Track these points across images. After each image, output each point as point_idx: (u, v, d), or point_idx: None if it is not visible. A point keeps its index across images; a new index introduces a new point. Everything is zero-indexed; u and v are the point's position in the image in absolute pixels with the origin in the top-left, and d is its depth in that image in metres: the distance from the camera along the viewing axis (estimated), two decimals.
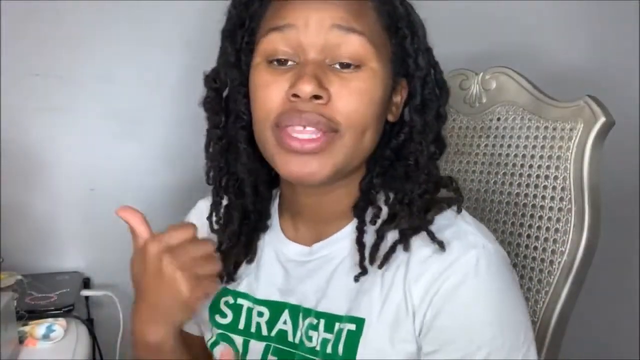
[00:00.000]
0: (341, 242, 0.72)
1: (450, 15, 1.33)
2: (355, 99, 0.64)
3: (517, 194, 0.89)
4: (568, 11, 1.34)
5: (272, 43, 0.65)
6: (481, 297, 0.63)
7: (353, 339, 0.66)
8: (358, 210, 0.71)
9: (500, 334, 0.63)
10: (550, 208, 0.84)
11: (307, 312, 0.72)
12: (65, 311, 1.11)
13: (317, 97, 0.62)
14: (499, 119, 0.95)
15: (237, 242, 0.77)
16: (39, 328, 1.03)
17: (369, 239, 0.69)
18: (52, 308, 1.11)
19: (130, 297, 1.39)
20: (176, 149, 1.32)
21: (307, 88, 0.61)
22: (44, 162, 1.29)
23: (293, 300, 0.73)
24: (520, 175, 0.89)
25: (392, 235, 0.68)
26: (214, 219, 0.78)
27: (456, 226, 0.67)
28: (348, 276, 0.69)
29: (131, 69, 1.29)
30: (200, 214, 0.81)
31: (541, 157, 0.87)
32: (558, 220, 0.83)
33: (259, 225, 0.78)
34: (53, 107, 1.27)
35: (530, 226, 0.86)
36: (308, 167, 0.64)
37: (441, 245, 0.64)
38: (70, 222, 1.32)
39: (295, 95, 0.62)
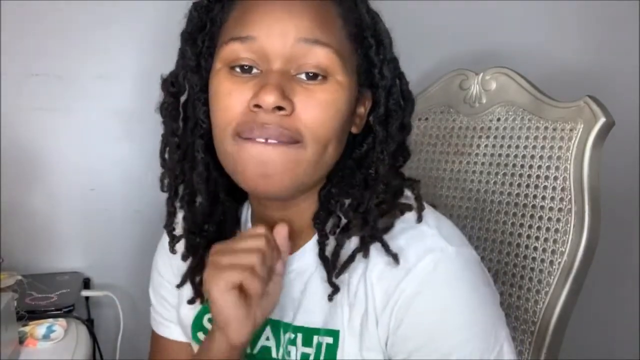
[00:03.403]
0: (308, 255, 0.70)
1: (450, 15, 1.34)
2: (320, 111, 0.61)
3: (517, 194, 0.89)
4: (568, 11, 1.34)
5: (234, 52, 0.62)
6: (442, 303, 0.61)
7: (332, 352, 0.66)
8: (318, 222, 0.68)
9: (468, 339, 0.61)
10: (550, 208, 0.84)
11: (286, 327, 0.70)
12: (65, 311, 1.11)
13: (280, 108, 0.59)
14: (499, 119, 0.95)
15: (203, 255, 0.73)
16: (39, 328, 1.03)
17: (331, 250, 0.67)
18: (52, 308, 1.10)
19: (131, 297, 1.40)
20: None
21: (269, 98, 0.58)
22: (44, 162, 1.29)
23: (274, 316, 0.71)
24: (520, 175, 0.89)
25: (353, 243, 0.66)
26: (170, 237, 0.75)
27: (413, 230, 0.64)
28: (320, 288, 0.68)
29: (131, 69, 1.29)
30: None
31: (541, 157, 0.87)
32: (558, 220, 0.83)
33: (223, 236, 0.74)
34: (53, 107, 1.27)
35: (530, 226, 0.86)
36: (267, 179, 0.61)
37: (395, 258, 0.62)
38: (70, 222, 1.32)
39: (257, 106, 0.60)
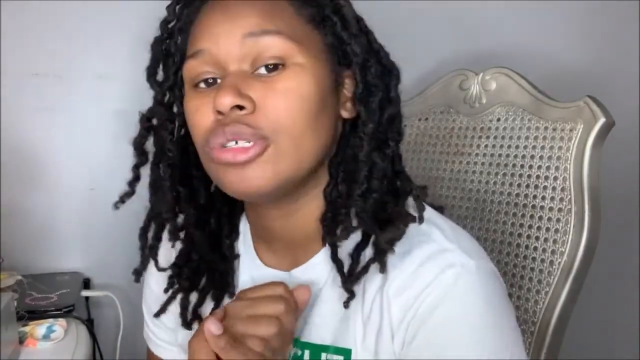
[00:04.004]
0: (319, 267, 0.67)
1: (450, 15, 1.34)
2: (282, 101, 0.59)
3: (517, 194, 0.89)
4: (568, 11, 1.34)
5: (191, 70, 0.62)
6: (460, 316, 0.60)
7: None
8: (327, 223, 0.65)
9: (485, 354, 0.59)
10: (550, 208, 0.84)
11: (293, 343, 0.67)
12: (65, 311, 1.11)
13: (240, 107, 0.58)
14: (499, 120, 0.95)
15: (195, 279, 0.73)
16: (39, 328, 1.03)
17: (345, 255, 0.64)
18: (52, 308, 1.10)
19: (131, 297, 1.39)
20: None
21: (225, 100, 0.57)
22: (44, 162, 1.29)
23: None
24: (520, 175, 0.89)
25: (368, 251, 0.63)
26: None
27: (432, 243, 0.62)
28: (332, 303, 0.65)
29: (131, 69, 1.29)
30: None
31: (541, 157, 0.87)
32: (558, 220, 0.83)
33: (222, 259, 0.73)
34: (53, 107, 1.27)
35: (530, 226, 0.86)
36: (248, 178, 0.59)
37: (383, 266, 0.60)
38: (70, 222, 1.32)
39: (219, 112, 0.59)
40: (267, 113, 0.58)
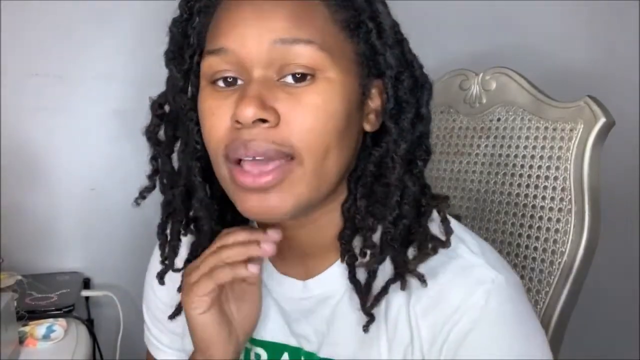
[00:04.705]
0: (335, 280, 0.64)
1: (450, 15, 1.34)
2: (309, 117, 0.54)
3: (517, 194, 0.89)
4: (568, 11, 1.34)
5: (211, 66, 0.57)
6: (496, 341, 0.57)
7: None
8: (344, 241, 0.62)
9: None
10: (550, 208, 0.84)
11: (309, 356, 0.65)
12: (65, 311, 1.11)
13: (263, 120, 0.53)
14: (499, 119, 0.94)
15: None
16: (39, 328, 1.03)
17: (363, 275, 0.61)
18: (52, 308, 1.11)
19: (131, 297, 1.39)
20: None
21: (248, 112, 0.52)
22: (44, 162, 1.29)
23: (293, 342, 0.66)
24: (520, 175, 0.89)
25: (387, 268, 0.60)
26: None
27: (459, 259, 0.59)
28: (349, 318, 0.62)
29: (131, 69, 1.29)
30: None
31: (541, 157, 0.87)
32: (558, 220, 0.83)
33: None
34: (53, 107, 1.27)
35: (530, 226, 0.86)
36: (266, 204, 0.55)
37: (422, 279, 0.57)
38: (70, 222, 1.32)
39: (238, 122, 0.54)
40: (292, 129, 0.54)
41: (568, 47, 1.36)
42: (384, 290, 0.59)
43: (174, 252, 0.68)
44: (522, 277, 0.85)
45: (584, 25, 1.36)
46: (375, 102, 0.61)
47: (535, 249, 0.85)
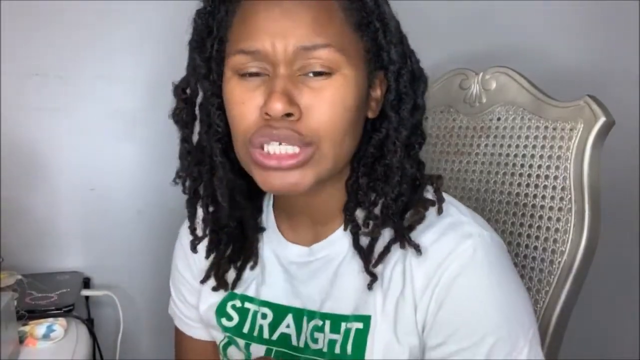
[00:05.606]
0: (338, 243, 0.72)
1: (450, 15, 1.34)
2: (327, 110, 0.63)
3: (517, 194, 0.89)
4: (568, 11, 1.34)
5: (241, 63, 0.64)
6: (481, 286, 0.64)
7: (361, 338, 0.67)
8: (348, 213, 0.71)
9: (504, 322, 0.63)
10: (550, 208, 0.84)
11: (312, 315, 0.72)
12: (65, 311, 1.11)
13: (288, 114, 0.61)
14: (499, 119, 0.95)
15: (226, 250, 0.77)
16: (39, 328, 1.03)
17: (365, 240, 0.70)
18: (52, 308, 1.11)
19: (131, 297, 1.39)
20: (176, 149, 1.32)
21: (277, 107, 0.60)
22: (44, 162, 1.29)
23: (297, 304, 0.74)
24: (520, 175, 0.89)
25: (387, 234, 0.68)
26: (191, 237, 0.77)
27: (451, 217, 0.68)
28: (351, 276, 0.70)
29: (131, 69, 1.29)
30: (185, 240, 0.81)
31: (541, 157, 0.87)
32: (558, 220, 0.83)
33: (247, 231, 0.77)
34: (53, 107, 1.27)
35: (530, 226, 0.86)
36: (288, 180, 0.64)
37: (417, 249, 0.65)
38: (70, 222, 1.32)
39: (267, 114, 0.62)
40: (312, 121, 0.62)
41: (568, 47, 1.36)
42: (386, 249, 0.67)
43: (194, 220, 0.76)
44: (522, 276, 0.85)
45: (584, 26, 1.36)
46: (376, 92, 0.69)
47: (535, 248, 0.85)
